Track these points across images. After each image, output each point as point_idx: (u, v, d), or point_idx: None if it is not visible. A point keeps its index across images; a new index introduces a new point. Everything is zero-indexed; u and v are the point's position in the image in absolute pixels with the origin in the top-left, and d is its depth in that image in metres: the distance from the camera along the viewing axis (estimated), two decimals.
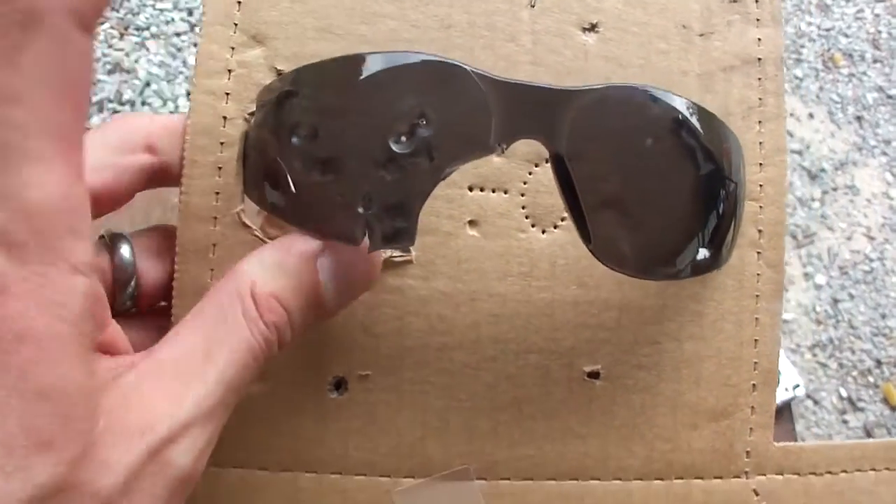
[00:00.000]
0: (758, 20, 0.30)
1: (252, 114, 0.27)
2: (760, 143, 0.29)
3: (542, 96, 0.24)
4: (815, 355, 1.33)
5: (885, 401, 1.29)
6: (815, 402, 1.29)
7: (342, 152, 0.23)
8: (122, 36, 1.33)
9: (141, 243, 0.28)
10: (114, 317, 0.24)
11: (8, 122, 0.16)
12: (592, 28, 0.29)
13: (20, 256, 0.17)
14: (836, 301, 1.37)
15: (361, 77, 0.23)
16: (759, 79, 0.29)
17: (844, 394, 1.30)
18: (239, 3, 0.28)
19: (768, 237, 0.29)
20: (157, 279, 0.28)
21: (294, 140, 0.23)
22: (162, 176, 0.27)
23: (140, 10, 1.37)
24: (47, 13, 0.16)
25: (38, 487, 0.18)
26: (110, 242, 0.27)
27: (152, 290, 0.27)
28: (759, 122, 0.29)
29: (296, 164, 0.23)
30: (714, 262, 0.27)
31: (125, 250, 0.27)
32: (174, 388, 0.20)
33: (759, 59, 0.30)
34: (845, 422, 1.28)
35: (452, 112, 0.23)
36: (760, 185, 0.29)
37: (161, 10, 1.37)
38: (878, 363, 1.32)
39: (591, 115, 0.24)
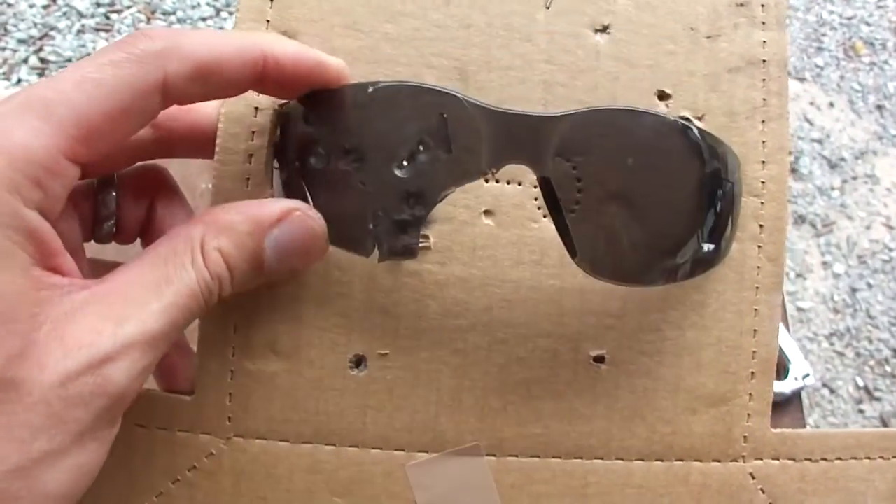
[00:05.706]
0: (763, 23, 0.30)
1: (283, 105, 0.28)
2: (763, 141, 0.30)
3: (530, 123, 0.26)
4: (832, 344, 1.32)
5: None
6: (832, 391, 1.28)
7: (354, 175, 0.26)
8: (148, 20, 1.34)
9: (125, 182, 0.30)
10: (97, 241, 0.28)
11: None
12: (604, 29, 0.30)
13: None
14: (854, 290, 1.37)
15: (367, 107, 0.26)
16: (764, 80, 0.30)
17: (861, 383, 1.29)
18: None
19: (769, 232, 0.30)
20: (137, 215, 0.30)
21: (312, 161, 0.26)
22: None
23: None
24: None
25: None
26: (97, 182, 0.29)
27: (132, 224, 0.30)
28: (763, 121, 0.30)
29: (312, 182, 0.26)
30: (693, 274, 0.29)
31: (110, 190, 0.29)
32: (120, 311, 0.22)
33: (764, 60, 0.30)
34: (861, 411, 1.27)
35: (447, 140, 0.26)
36: (763, 182, 0.30)
37: None
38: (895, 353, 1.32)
39: (575, 138, 0.26)
